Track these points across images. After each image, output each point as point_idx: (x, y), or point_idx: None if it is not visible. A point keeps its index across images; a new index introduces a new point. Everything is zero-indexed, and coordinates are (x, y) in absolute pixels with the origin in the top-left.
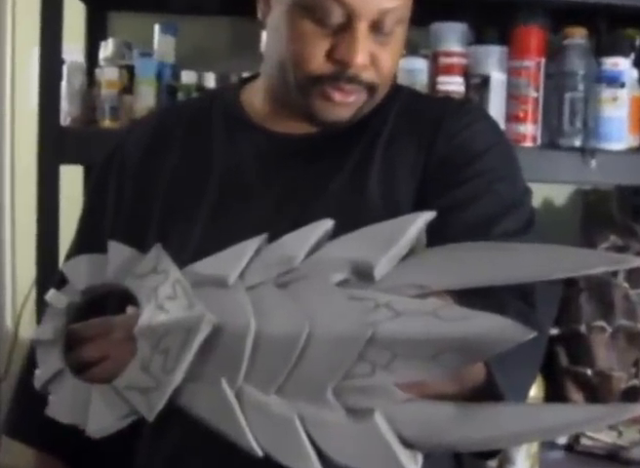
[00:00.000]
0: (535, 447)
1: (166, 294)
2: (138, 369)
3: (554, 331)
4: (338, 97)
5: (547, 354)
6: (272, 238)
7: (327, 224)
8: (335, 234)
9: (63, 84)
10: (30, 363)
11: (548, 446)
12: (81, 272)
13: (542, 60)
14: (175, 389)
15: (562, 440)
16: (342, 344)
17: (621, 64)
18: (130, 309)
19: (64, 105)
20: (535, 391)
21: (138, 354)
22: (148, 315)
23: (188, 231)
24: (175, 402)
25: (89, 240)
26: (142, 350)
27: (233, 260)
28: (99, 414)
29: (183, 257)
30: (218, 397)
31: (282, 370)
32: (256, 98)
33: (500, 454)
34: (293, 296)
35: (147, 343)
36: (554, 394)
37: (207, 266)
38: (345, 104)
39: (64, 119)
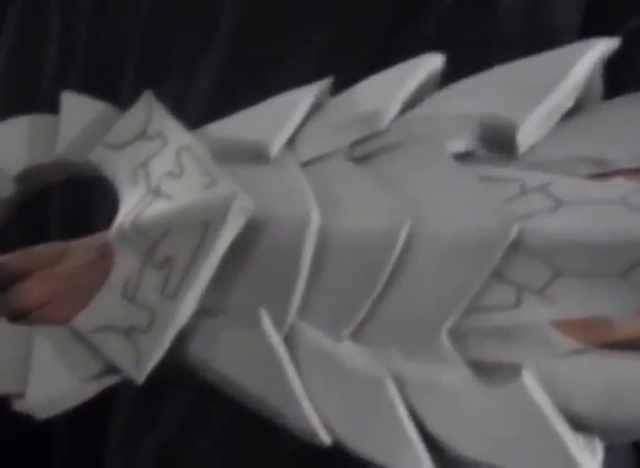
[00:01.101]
0: None
1: (165, 170)
2: (116, 295)
3: None
4: None
5: None
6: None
7: (433, 62)
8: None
9: None
10: None
11: None
12: (14, 144)
13: None
14: (181, 329)
15: None
16: (467, 252)
17: None
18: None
19: None
20: None
21: (115, 271)
22: (134, 205)
23: (188, 88)
24: (180, 351)
25: (21, 93)
26: (125, 264)
27: (275, 120)
28: (47, 375)
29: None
30: (253, 342)
31: (364, 297)
32: None
33: None
34: (379, 176)
35: (133, 252)
36: None
37: (231, 129)
38: None
39: None
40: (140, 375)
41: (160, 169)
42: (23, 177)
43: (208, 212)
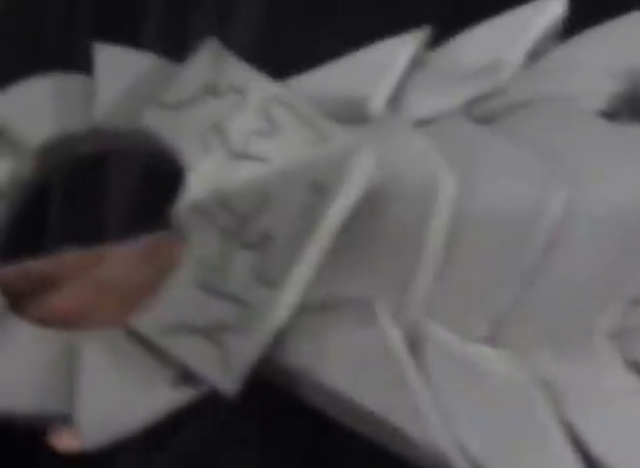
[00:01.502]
0: None
1: (250, 129)
2: (191, 287)
3: None
4: None
5: None
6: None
7: (554, 8)
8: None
9: None
10: None
11: None
12: (36, 109)
13: None
14: (279, 326)
15: None
16: (633, 230)
17: None
18: None
19: None
20: None
21: (187, 258)
22: (211, 174)
23: (227, 21)
24: (274, 356)
25: (21, 40)
26: (202, 248)
27: (372, 73)
28: (101, 389)
29: None
30: (367, 344)
31: (505, 286)
32: None
33: None
34: (514, 139)
35: (214, 232)
36: None
37: (318, 83)
38: None
39: None
40: (231, 384)
41: (243, 127)
42: (47, 150)
43: (320, 172)
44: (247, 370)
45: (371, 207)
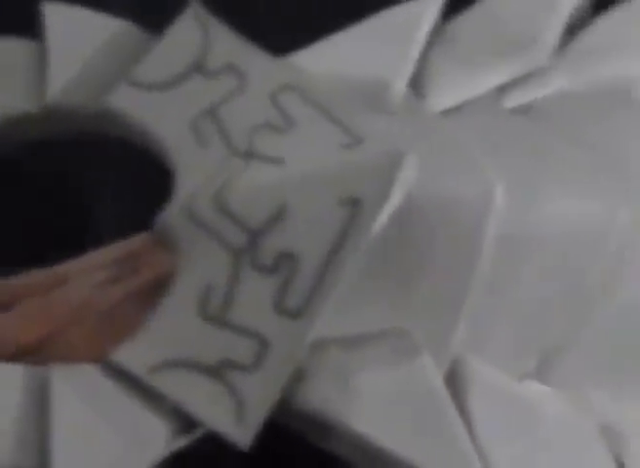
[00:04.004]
0: None
1: (256, 121)
2: (189, 315)
3: None
4: None
5: None
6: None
7: None
8: None
9: None
10: None
11: None
12: None
13: None
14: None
15: None
16: None
17: None
18: None
19: None
20: None
21: (182, 279)
22: (208, 176)
23: None
24: (292, 400)
25: None
26: (199, 267)
27: (386, 46)
28: (79, 442)
29: None
30: (404, 385)
31: (560, 318)
32: None
33: None
34: (565, 137)
35: (216, 248)
36: None
37: (324, 61)
38: None
39: None
40: (245, 434)
41: (246, 118)
42: None
43: (353, 182)
44: (262, 416)
45: (403, 220)
